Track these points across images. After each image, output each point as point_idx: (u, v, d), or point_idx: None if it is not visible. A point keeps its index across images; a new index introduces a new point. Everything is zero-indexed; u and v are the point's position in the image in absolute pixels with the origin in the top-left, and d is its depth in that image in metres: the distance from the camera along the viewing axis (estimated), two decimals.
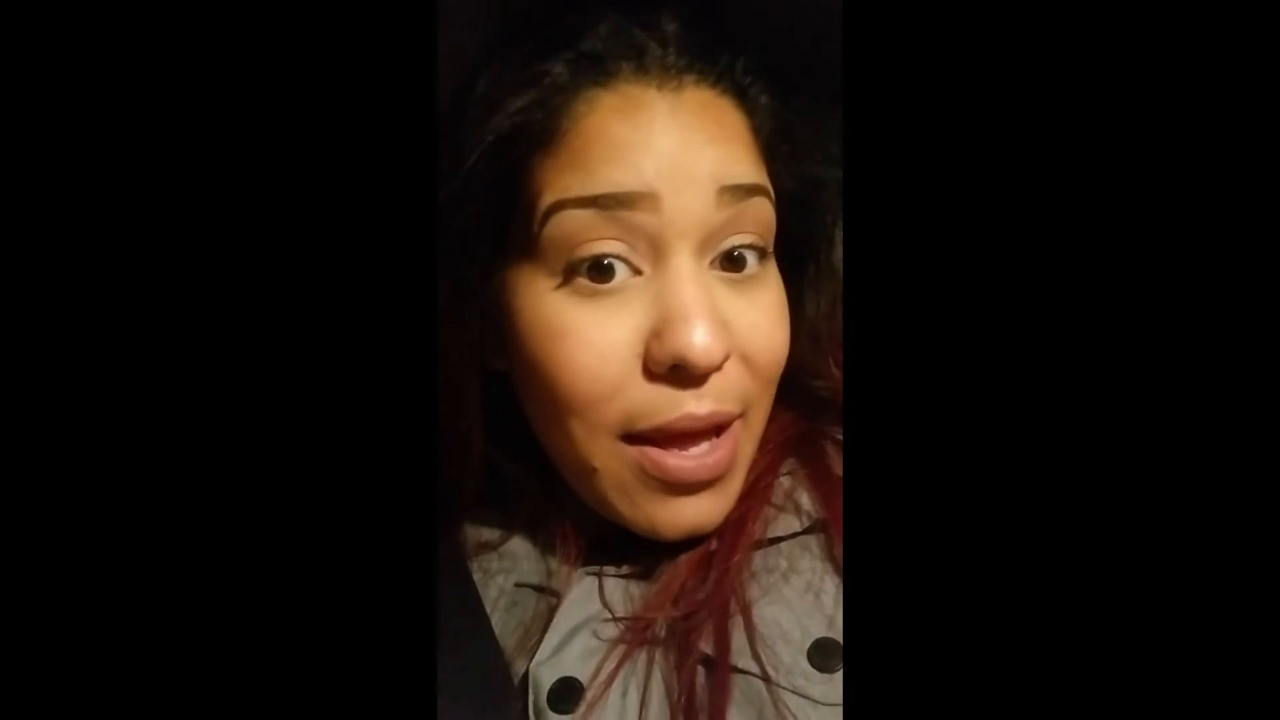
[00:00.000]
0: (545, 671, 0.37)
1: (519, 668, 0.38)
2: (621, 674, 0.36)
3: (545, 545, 0.43)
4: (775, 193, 0.41)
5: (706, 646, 0.36)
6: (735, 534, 0.40)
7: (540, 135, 0.38)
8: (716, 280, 0.39)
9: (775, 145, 0.42)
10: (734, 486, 0.41)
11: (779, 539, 0.41)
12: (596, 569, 0.41)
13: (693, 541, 0.41)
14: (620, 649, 0.37)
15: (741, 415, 0.40)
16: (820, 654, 0.35)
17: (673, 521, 0.40)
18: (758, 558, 0.40)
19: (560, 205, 0.37)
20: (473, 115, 0.39)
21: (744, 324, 0.39)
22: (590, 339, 0.38)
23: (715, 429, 0.39)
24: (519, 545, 0.43)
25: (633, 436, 0.39)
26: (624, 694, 0.36)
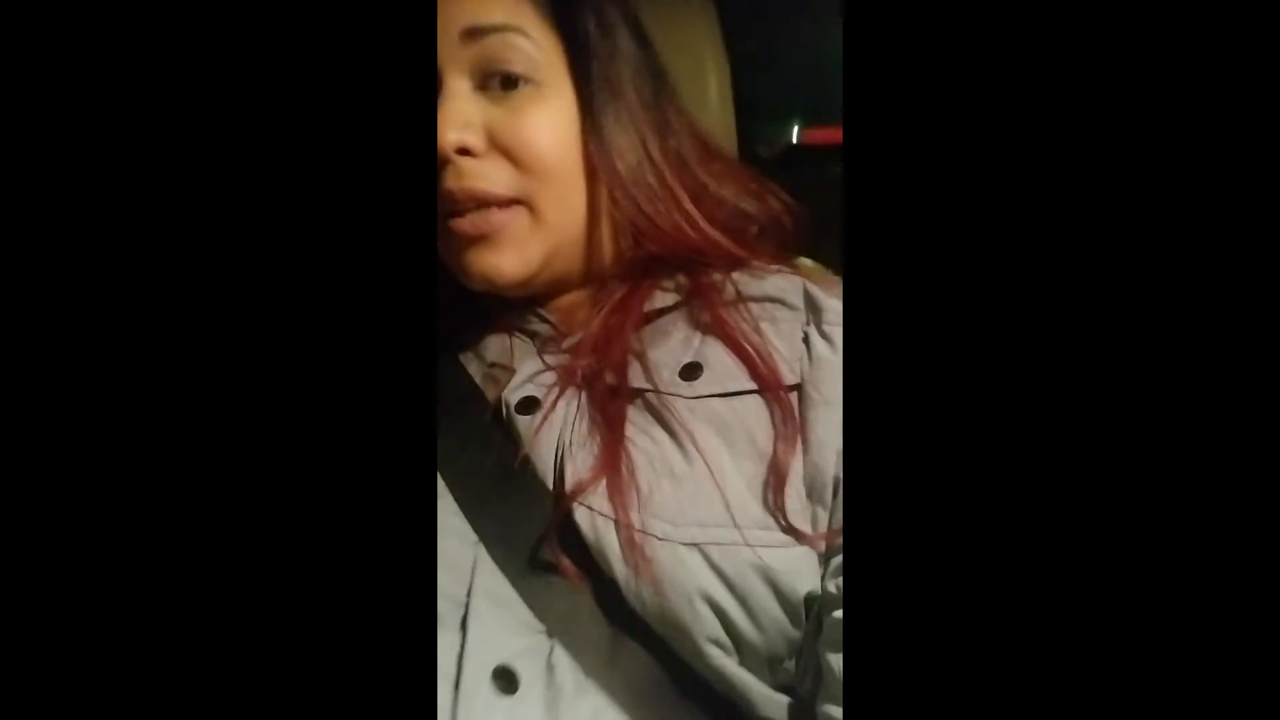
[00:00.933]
0: (512, 395, 0.52)
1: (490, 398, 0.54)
2: (564, 396, 0.51)
3: (504, 343, 0.57)
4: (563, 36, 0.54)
5: (611, 379, 0.51)
6: (627, 308, 0.54)
7: None
8: (483, 98, 0.52)
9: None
10: (519, 252, 0.54)
11: (662, 310, 0.55)
12: (538, 345, 0.56)
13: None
14: (559, 385, 0.51)
15: (521, 203, 0.53)
16: (687, 371, 0.51)
17: (467, 268, 0.54)
18: (648, 328, 0.54)
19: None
20: None
21: (505, 127, 0.52)
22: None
23: (494, 201, 0.52)
24: (488, 343, 0.58)
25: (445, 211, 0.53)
26: (566, 405, 0.51)
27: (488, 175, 0.52)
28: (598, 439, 0.49)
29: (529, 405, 0.51)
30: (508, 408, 0.51)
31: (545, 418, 0.50)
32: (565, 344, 0.55)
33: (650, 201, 0.54)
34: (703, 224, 0.55)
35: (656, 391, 0.50)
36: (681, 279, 0.56)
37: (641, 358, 0.52)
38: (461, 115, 0.51)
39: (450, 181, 0.51)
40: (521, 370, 0.53)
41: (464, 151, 0.51)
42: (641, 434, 0.49)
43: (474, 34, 0.51)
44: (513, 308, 0.58)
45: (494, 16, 0.52)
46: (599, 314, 0.55)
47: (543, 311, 0.58)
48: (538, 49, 0.53)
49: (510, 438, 0.51)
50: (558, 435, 0.50)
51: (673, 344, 0.53)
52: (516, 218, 0.53)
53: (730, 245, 0.56)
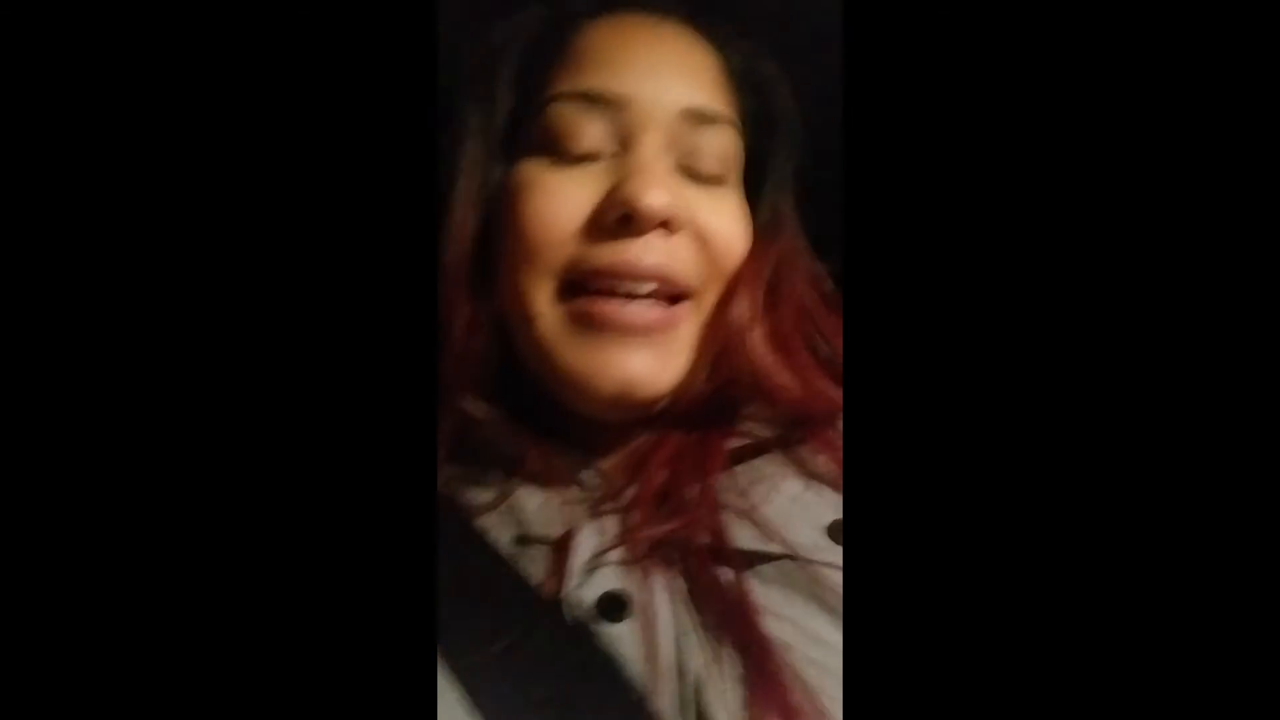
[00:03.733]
0: (584, 591, 0.38)
1: (546, 594, 0.39)
2: (653, 581, 0.38)
3: (535, 497, 0.43)
4: (742, 135, 0.48)
5: (710, 545, 0.39)
6: (704, 448, 0.43)
7: (549, 46, 0.47)
8: (679, 175, 0.45)
9: (747, 91, 0.49)
10: (675, 361, 0.44)
11: (750, 450, 0.44)
12: (590, 506, 0.43)
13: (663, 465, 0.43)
14: (642, 567, 0.39)
15: (693, 297, 0.45)
16: (838, 532, 0.39)
17: (605, 371, 0.42)
18: (738, 472, 0.43)
19: (555, 98, 0.45)
20: (500, 30, 0.48)
21: (703, 208, 0.45)
22: (552, 189, 0.44)
23: (663, 293, 0.44)
24: (517, 500, 0.43)
25: (576, 288, 0.43)
26: (663, 598, 0.38)
27: (681, 258, 0.44)
28: (730, 648, 0.35)
29: (614, 606, 0.38)
30: (581, 612, 0.38)
31: (647, 625, 0.36)
32: (622, 498, 0.42)
33: (780, 336, 0.46)
34: (815, 369, 0.46)
35: (794, 558, 0.38)
36: (765, 414, 0.45)
37: (751, 514, 0.40)
38: (666, 182, 0.43)
39: (635, 254, 0.42)
40: (580, 546, 0.40)
41: (664, 224, 0.43)
42: (792, 627, 0.36)
43: (697, 118, 0.45)
44: (524, 446, 0.44)
45: (718, 106, 0.47)
46: (659, 455, 0.43)
47: (587, 453, 0.45)
48: (740, 149, 0.48)
49: (589, 656, 0.36)
50: (673, 654, 0.36)
51: (794, 495, 0.41)
52: (685, 317, 0.44)
53: (832, 392, 0.44)
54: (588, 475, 0.44)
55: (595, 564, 0.39)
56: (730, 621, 0.36)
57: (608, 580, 0.38)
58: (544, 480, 0.43)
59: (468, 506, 0.43)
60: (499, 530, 0.42)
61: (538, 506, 0.42)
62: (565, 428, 0.45)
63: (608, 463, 0.46)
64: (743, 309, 0.46)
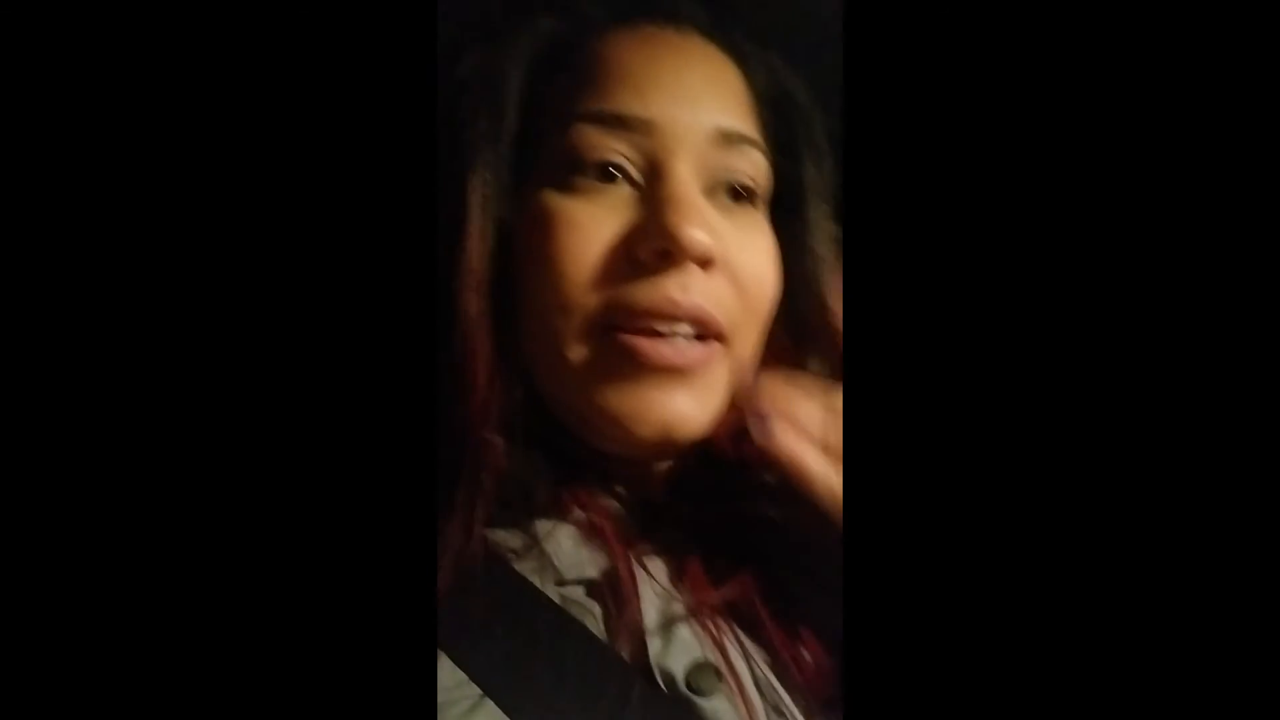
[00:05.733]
0: (671, 662, 0.37)
1: (623, 653, 0.39)
2: (730, 646, 0.38)
3: (578, 537, 0.42)
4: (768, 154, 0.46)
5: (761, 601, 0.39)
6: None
7: (566, 60, 0.44)
8: (711, 204, 0.43)
9: (772, 111, 0.47)
10: (712, 401, 0.43)
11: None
12: (643, 548, 0.42)
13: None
14: (711, 625, 0.39)
15: (725, 339, 0.43)
16: None
17: (645, 413, 0.41)
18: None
19: (574, 117, 0.42)
20: (506, 40, 0.45)
21: (735, 244, 0.43)
22: (578, 221, 0.41)
23: (698, 332, 0.42)
24: (556, 543, 0.42)
25: (614, 328, 0.41)
26: (744, 662, 0.38)
27: (717, 297, 0.42)
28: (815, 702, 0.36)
29: (706, 676, 0.37)
30: (672, 684, 0.37)
31: (743, 699, 0.36)
32: (660, 538, 0.42)
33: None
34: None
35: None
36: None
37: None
38: (704, 216, 0.41)
39: (674, 292, 0.40)
40: (648, 604, 0.39)
41: (705, 262, 0.41)
42: None
43: (729, 139, 0.43)
44: (554, 485, 0.43)
45: (747, 127, 0.45)
46: (701, 492, 0.43)
47: (618, 487, 0.44)
48: (769, 175, 0.46)
49: None
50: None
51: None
52: (718, 356, 0.43)
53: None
54: (616, 507, 0.43)
55: (670, 628, 0.38)
56: (812, 683, 0.37)
57: (686, 645, 0.38)
58: (576, 519, 0.42)
59: (503, 553, 0.41)
60: (539, 576, 0.40)
61: (573, 546, 0.41)
62: (586, 461, 0.44)
63: (636, 489, 0.45)
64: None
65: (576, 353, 0.41)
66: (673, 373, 0.41)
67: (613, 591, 0.39)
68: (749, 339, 0.44)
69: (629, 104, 0.42)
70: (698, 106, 0.43)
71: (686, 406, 0.42)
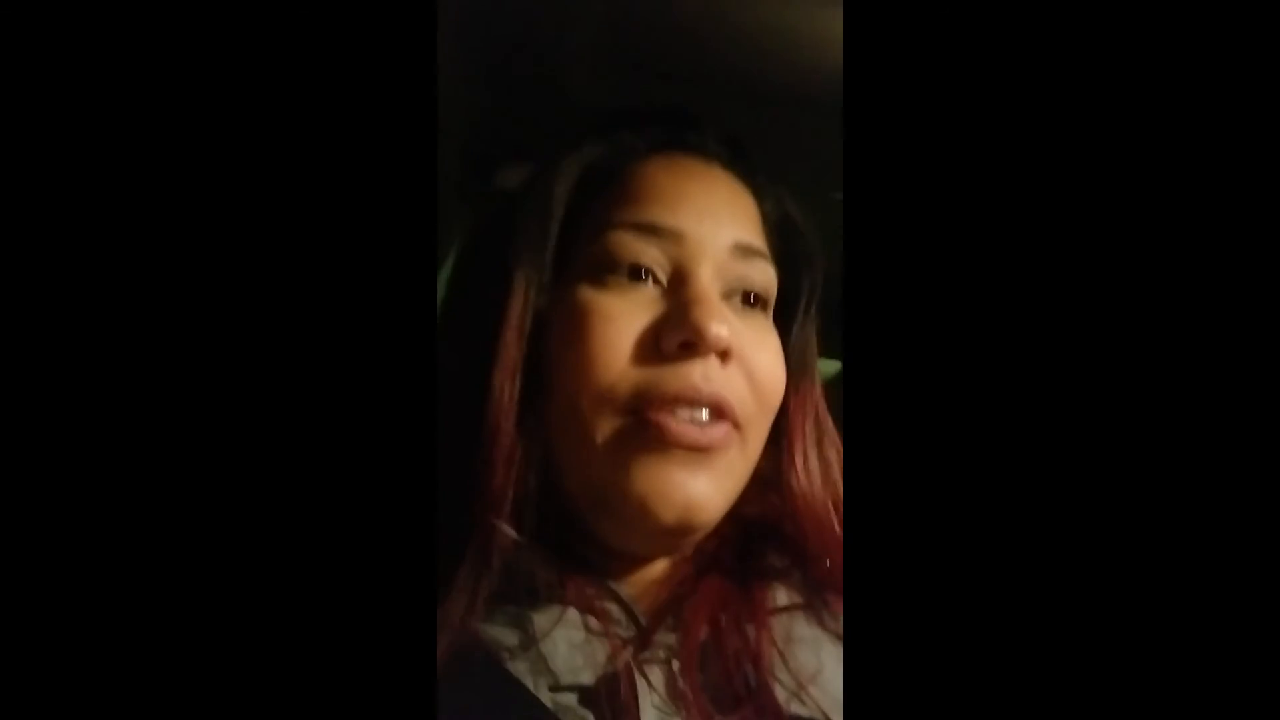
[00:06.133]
0: None
1: None
2: None
3: (576, 640, 0.43)
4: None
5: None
6: (748, 604, 0.44)
7: (607, 179, 0.50)
8: (728, 305, 0.48)
9: (777, 232, 0.53)
10: (728, 486, 0.46)
11: (784, 609, 0.45)
12: (641, 656, 0.42)
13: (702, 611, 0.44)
14: None
15: (740, 429, 0.46)
16: None
17: (668, 494, 0.43)
18: (775, 628, 0.44)
19: (612, 225, 0.47)
20: (556, 160, 0.51)
21: (750, 343, 0.47)
22: (616, 316, 0.45)
23: (716, 416, 0.45)
24: (554, 644, 0.42)
25: (636, 412, 0.44)
26: None
27: (733, 387, 0.46)
28: None
29: None
30: None
31: None
32: (658, 646, 0.43)
33: (813, 477, 0.49)
34: (834, 513, 0.49)
35: None
36: (796, 569, 0.47)
37: (804, 690, 0.41)
38: (724, 314, 0.45)
39: (697, 380, 0.44)
40: (648, 712, 0.40)
41: (722, 354, 0.45)
42: None
43: (744, 252, 0.48)
44: (559, 577, 0.44)
45: (759, 243, 0.50)
46: (699, 604, 0.44)
47: (618, 588, 0.45)
48: (776, 284, 0.51)
49: None
50: None
51: (832, 662, 0.43)
52: (735, 442, 0.46)
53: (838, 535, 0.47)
54: (614, 608, 0.44)
55: None
56: None
57: None
58: (574, 615, 0.43)
59: (498, 651, 0.41)
60: (532, 679, 0.40)
61: (569, 649, 0.41)
62: (593, 560, 0.46)
63: (631, 590, 0.46)
64: (796, 458, 0.49)
65: (603, 433, 0.44)
66: (694, 454, 0.44)
67: (610, 699, 0.40)
68: (759, 433, 0.48)
69: (660, 215, 0.47)
70: (719, 222, 0.48)
71: (707, 489, 0.44)
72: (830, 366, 0.60)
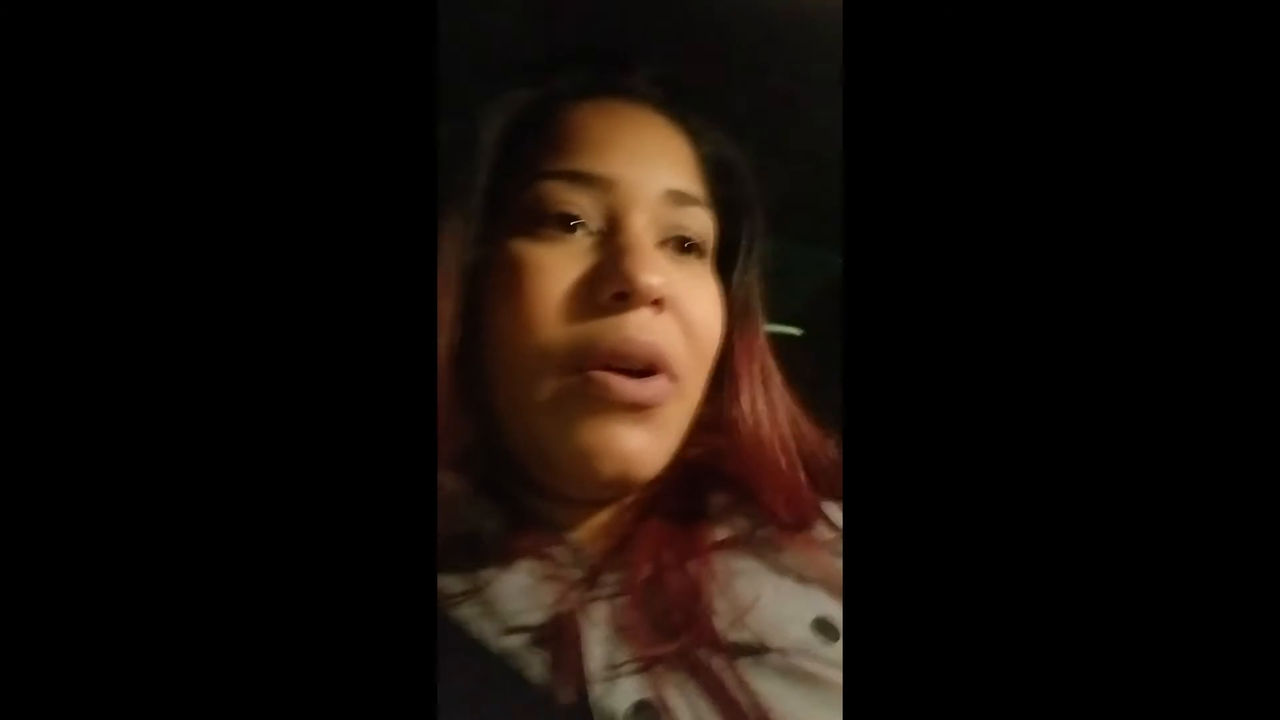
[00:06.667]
0: (614, 699, 0.39)
1: (564, 699, 0.39)
2: (668, 687, 0.39)
3: (523, 584, 0.44)
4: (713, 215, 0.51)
5: (709, 643, 0.40)
6: (689, 541, 0.45)
7: (536, 127, 0.49)
8: (663, 252, 0.47)
9: (715, 176, 0.52)
10: (667, 440, 0.47)
11: (722, 544, 0.45)
12: (587, 595, 0.43)
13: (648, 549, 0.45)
14: (657, 667, 0.40)
15: (677, 379, 0.46)
16: (822, 628, 0.42)
17: (608, 448, 0.44)
18: (716, 564, 0.44)
19: (542, 174, 0.47)
20: (484, 108, 0.50)
21: (685, 291, 0.47)
22: (543, 265, 0.45)
23: (652, 368, 0.45)
24: (501, 589, 0.43)
25: (572, 366, 0.44)
26: (681, 700, 0.39)
27: (669, 337, 0.46)
28: None
29: (646, 715, 0.38)
30: None
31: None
32: (604, 584, 0.43)
33: (760, 418, 0.50)
34: (794, 455, 0.49)
35: (783, 652, 0.41)
36: (739, 507, 0.48)
37: (742, 617, 0.42)
38: (658, 263, 0.45)
39: (632, 332, 0.44)
40: (593, 647, 0.40)
41: (656, 303, 0.45)
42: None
43: (678, 199, 0.48)
44: (504, 524, 0.46)
45: (695, 189, 0.49)
46: (642, 542, 0.45)
47: (565, 534, 0.46)
48: (714, 230, 0.50)
49: None
50: None
51: (776, 591, 0.44)
52: (672, 395, 0.46)
53: (807, 489, 0.49)
54: (561, 552, 0.45)
55: (613, 673, 0.39)
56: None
57: (629, 687, 0.39)
58: (522, 562, 0.44)
59: (444, 597, 0.42)
60: (480, 623, 0.42)
61: (517, 591, 0.43)
62: (537, 509, 0.47)
63: (578, 535, 0.47)
64: (741, 400, 0.50)
65: (542, 389, 0.44)
66: (634, 410, 0.44)
67: (557, 638, 0.41)
68: (697, 383, 0.48)
69: (590, 163, 0.47)
70: (652, 168, 0.48)
71: (645, 444, 0.45)
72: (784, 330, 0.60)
